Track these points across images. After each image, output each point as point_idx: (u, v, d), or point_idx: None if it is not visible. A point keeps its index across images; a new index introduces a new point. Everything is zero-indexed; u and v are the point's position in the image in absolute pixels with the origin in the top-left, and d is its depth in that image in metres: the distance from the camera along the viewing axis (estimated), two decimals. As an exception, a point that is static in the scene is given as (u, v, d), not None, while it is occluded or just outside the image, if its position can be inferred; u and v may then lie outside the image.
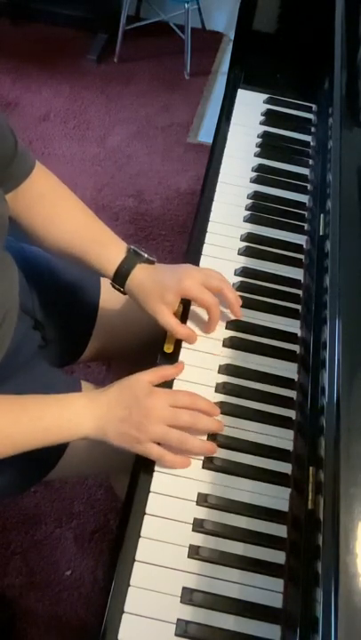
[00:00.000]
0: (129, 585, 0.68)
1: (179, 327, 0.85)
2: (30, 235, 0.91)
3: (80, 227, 0.90)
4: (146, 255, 0.88)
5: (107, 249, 0.88)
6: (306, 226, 1.03)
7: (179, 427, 0.76)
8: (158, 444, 0.76)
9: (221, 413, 0.81)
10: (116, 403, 0.77)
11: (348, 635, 0.54)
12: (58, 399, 0.78)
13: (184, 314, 0.90)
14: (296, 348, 0.89)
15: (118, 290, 0.89)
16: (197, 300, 0.86)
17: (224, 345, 0.88)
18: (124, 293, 0.89)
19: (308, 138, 1.17)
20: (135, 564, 0.70)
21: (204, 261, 0.96)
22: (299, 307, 0.93)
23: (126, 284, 0.87)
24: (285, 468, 0.78)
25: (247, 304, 0.92)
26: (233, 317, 0.90)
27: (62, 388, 0.96)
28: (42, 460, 0.92)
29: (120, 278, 0.87)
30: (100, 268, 0.88)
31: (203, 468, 0.77)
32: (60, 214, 0.90)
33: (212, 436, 0.79)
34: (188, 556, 0.71)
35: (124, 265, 0.87)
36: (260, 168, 1.10)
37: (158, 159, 2.31)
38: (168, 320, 0.85)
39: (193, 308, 0.90)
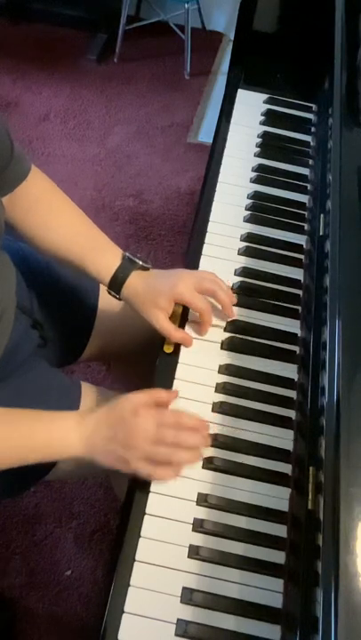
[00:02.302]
0: (129, 585, 0.68)
1: (174, 331, 0.86)
2: (27, 238, 0.91)
3: (76, 233, 0.90)
4: (140, 262, 0.88)
5: (102, 256, 0.89)
6: (306, 226, 1.03)
7: (165, 445, 0.75)
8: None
9: (221, 413, 0.81)
10: (102, 422, 0.77)
11: (349, 635, 0.54)
12: (49, 418, 0.78)
13: (184, 315, 0.90)
14: (296, 348, 0.89)
15: (114, 297, 0.89)
16: (190, 305, 0.87)
17: (224, 345, 0.88)
18: (120, 299, 0.89)
19: (308, 138, 1.17)
20: (135, 563, 0.70)
21: (203, 261, 0.96)
22: (299, 307, 0.93)
23: (122, 291, 0.88)
24: (285, 468, 0.78)
25: (247, 304, 0.92)
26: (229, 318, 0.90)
27: (61, 388, 0.96)
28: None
29: (115, 286, 0.88)
30: (95, 276, 0.89)
31: (203, 468, 0.77)
32: (56, 219, 0.90)
33: (213, 436, 0.79)
34: (188, 556, 0.71)
35: (119, 272, 0.87)
36: (260, 168, 1.10)
37: (158, 159, 2.31)
38: (163, 325, 0.86)
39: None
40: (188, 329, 0.89)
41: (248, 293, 0.93)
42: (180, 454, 0.75)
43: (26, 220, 0.89)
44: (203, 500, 0.74)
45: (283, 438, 0.80)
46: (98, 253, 0.89)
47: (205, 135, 2.40)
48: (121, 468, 0.75)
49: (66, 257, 0.90)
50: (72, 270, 0.92)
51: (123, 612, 0.67)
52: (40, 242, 0.90)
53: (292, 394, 0.84)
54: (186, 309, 0.90)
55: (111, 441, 0.75)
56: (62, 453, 0.77)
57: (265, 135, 1.15)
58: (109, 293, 0.90)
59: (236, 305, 0.92)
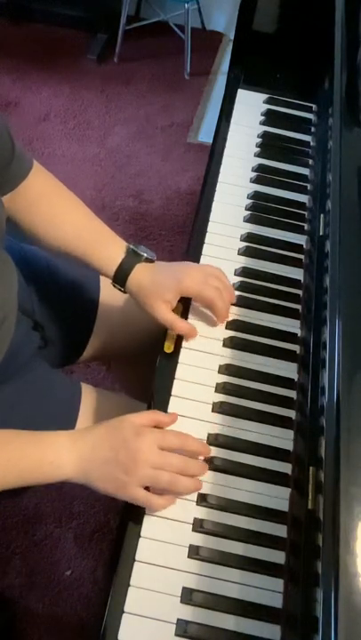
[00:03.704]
0: (129, 585, 0.68)
1: (178, 322, 0.85)
2: (30, 235, 0.91)
3: (79, 226, 0.90)
4: (145, 255, 0.88)
5: (106, 249, 0.88)
6: (306, 226, 1.03)
7: (167, 471, 0.72)
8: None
9: (221, 413, 0.81)
10: (101, 443, 0.73)
11: (349, 635, 0.54)
12: (41, 438, 0.75)
13: (184, 312, 0.90)
14: (296, 348, 0.89)
15: (119, 289, 0.89)
16: (199, 298, 0.87)
17: (224, 345, 0.88)
18: (124, 292, 0.89)
19: (308, 138, 1.17)
20: (135, 563, 0.70)
21: (203, 261, 0.96)
22: (299, 307, 0.93)
23: (126, 284, 0.87)
24: (285, 467, 0.78)
25: (247, 304, 0.92)
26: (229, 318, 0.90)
27: (61, 389, 0.96)
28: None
29: (120, 278, 0.87)
30: (99, 269, 0.89)
31: (203, 467, 0.77)
32: (60, 214, 0.90)
33: (213, 436, 0.79)
34: (188, 556, 0.71)
35: (123, 265, 0.87)
36: (260, 168, 1.10)
37: (158, 159, 2.31)
38: (167, 316, 0.85)
39: (193, 304, 0.90)
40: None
41: (248, 293, 0.93)
42: (181, 482, 0.72)
43: (29, 215, 0.89)
44: (203, 499, 0.74)
45: (283, 438, 0.80)
46: (101, 247, 0.89)
47: (205, 135, 2.40)
48: (116, 494, 0.72)
49: (70, 251, 0.89)
50: (74, 267, 0.92)
51: (123, 611, 0.67)
52: (44, 237, 0.90)
53: (292, 394, 0.84)
54: (186, 305, 0.90)
55: (110, 463, 0.72)
56: (54, 475, 0.73)
57: (265, 135, 1.15)
58: (114, 286, 0.89)
59: (237, 305, 0.92)
